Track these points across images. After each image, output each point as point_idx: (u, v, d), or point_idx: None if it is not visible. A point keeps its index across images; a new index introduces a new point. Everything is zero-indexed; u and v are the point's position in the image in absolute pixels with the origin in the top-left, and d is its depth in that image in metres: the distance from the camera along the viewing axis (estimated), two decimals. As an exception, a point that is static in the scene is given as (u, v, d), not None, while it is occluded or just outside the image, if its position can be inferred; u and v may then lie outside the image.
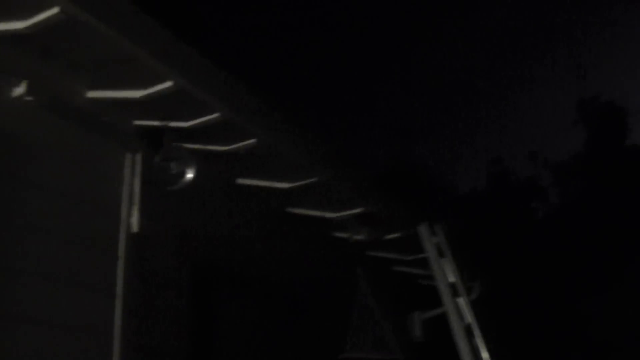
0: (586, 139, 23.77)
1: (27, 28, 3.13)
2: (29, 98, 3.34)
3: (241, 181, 4.77)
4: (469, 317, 5.42)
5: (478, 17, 30.44)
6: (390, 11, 30.14)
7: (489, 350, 5.19)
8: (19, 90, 3.34)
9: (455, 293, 5.48)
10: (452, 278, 5.54)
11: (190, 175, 3.90)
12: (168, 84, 3.52)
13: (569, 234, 21.81)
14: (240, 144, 4.14)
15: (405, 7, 30.46)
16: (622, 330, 17.22)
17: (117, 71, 3.54)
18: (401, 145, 26.27)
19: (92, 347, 3.65)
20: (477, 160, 26.57)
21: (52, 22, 3.05)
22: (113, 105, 3.78)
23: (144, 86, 3.58)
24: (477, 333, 5.32)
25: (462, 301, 5.48)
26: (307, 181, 4.68)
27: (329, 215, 5.30)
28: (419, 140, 31.06)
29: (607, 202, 21.53)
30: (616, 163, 22.66)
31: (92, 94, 3.74)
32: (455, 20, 30.45)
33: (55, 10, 3.00)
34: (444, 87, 31.74)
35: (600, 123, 23.61)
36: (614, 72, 29.20)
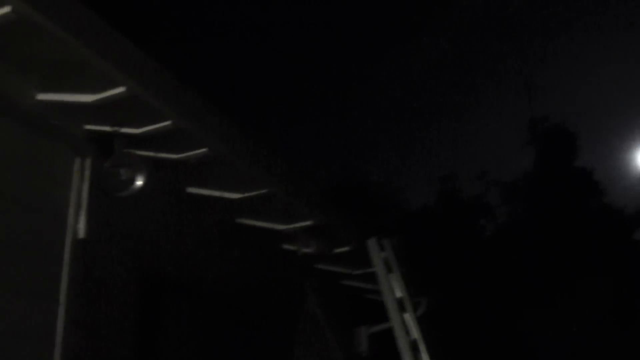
0: (535, 159, 24.16)
1: (-24, 27, 3.06)
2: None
3: (192, 190, 4.74)
4: (415, 333, 5.45)
5: (431, 34, 30.76)
6: (346, 26, 30.32)
7: (434, 366, 5.22)
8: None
9: (402, 308, 5.51)
10: (399, 293, 5.57)
11: (140, 182, 3.86)
12: (120, 89, 3.49)
13: (515, 252, 22.13)
14: (192, 152, 4.11)
15: (359, 23, 30.69)
16: (562, 346, 17.53)
17: (68, 74, 3.49)
18: (353, 160, 26.38)
19: (32, 356, 3.58)
20: (429, 177, 26.76)
21: (2, 21, 2.99)
22: (63, 108, 3.73)
23: (96, 90, 3.53)
24: (422, 348, 5.35)
25: (408, 317, 5.52)
26: (258, 192, 4.66)
27: (278, 227, 5.29)
28: (371, 156, 31.25)
29: (553, 223, 21.90)
30: (564, 184, 23.05)
31: (42, 97, 3.68)
32: (410, 37, 30.76)
33: (6, 9, 2.94)
34: (398, 104, 31.99)
35: (550, 144, 24.01)
36: (565, 94, 29.75)
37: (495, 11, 30.81)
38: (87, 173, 3.98)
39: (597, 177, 23.54)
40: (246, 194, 4.71)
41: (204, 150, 4.09)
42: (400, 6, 29.79)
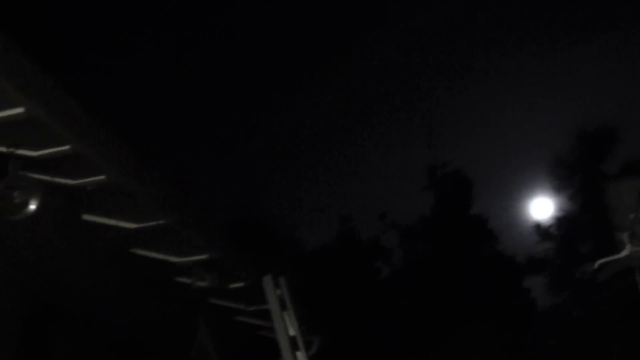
0: (433, 204, 24.68)
1: None
2: None
3: (87, 217, 4.64)
4: (307, 371, 5.46)
5: (337, 75, 31.28)
6: (248, 63, 30.48)
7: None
8: None
9: (294, 346, 5.51)
10: (292, 331, 5.58)
11: (33, 206, 3.75)
12: (19, 109, 3.40)
13: (410, 295, 22.47)
14: (89, 179, 4.04)
15: (263, 61, 30.90)
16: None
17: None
18: (252, 197, 26.33)
19: None
20: (328, 216, 26.98)
21: None
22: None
23: (-7, 110, 3.44)
24: (313, 387, 5.36)
25: (300, 355, 5.53)
26: (154, 223, 4.61)
27: (173, 259, 5.23)
28: (272, 194, 31.30)
29: (448, 267, 22.37)
30: (459, 230, 23.62)
31: None
32: (315, 77, 31.15)
33: None
34: (301, 142, 32.25)
35: (448, 190, 24.59)
36: (464, 142, 30.65)
37: (401, 56, 31.57)
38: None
39: (491, 224, 24.25)
40: (142, 224, 4.64)
41: (101, 177, 4.02)
42: (305, 48, 30.24)
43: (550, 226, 23.59)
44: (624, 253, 7.98)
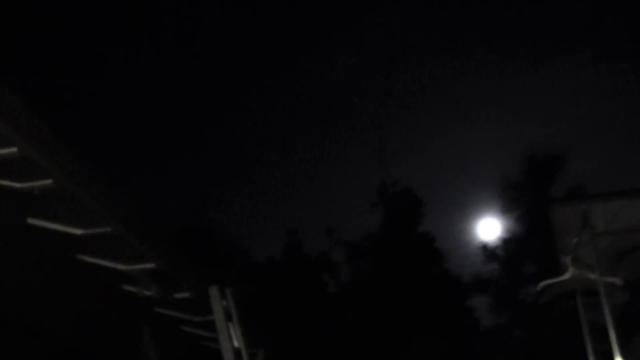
0: (382, 221, 24.83)
1: None
2: None
3: (32, 221, 4.56)
4: (250, 384, 5.44)
5: (291, 90, 31.40)
6: (201, 75, 30.43)
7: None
8: None
9: (238, 358, 5.49)
10: (237, 343, 5.56)
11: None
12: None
13: (356, 310, 22.53)
14: (36, 182, 3.98)
15: (216, 73, 30.87)
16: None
17: None
18: (201, 208, 26.19)
19: None
20: (277, 230, 26.97)
21: None
22: None
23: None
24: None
25: (244, 367, 5.51)
26: (101, 230, 4.55)
27: (120, 267, 5.17)
28: (221, 206, 31.15)
29: (394, 284, 22.50)
30: (407, 248, 23.79)
31: None
32: (268, 90, 31.23)
33: None
34: (251, 154, 32.21)
35: (397, 208, 24.77)
36: (415, 162, 30.95)
37: (355, 74, 31.80)
38: None
39: (438, 243, 24.49)
40: (89, 230, 4.59)
41: (48, 181, 3.96)
42: (259, 62, 30.30)
43: (496, 247, 23.91)
44: (566, 275, 8.12)
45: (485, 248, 23.89)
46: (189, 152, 31.36)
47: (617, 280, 7.90)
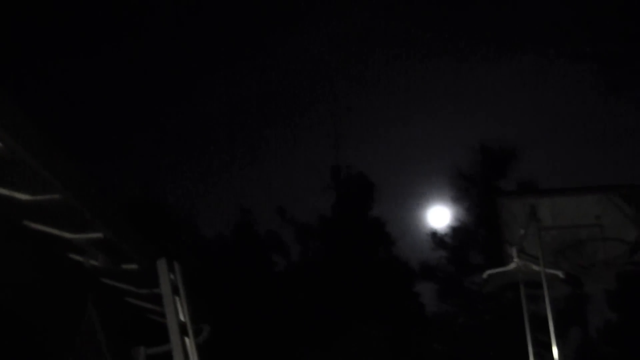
0: (334, 204, 24.93)
1: None
2: None
3: (-22, 185, 4.50)
4: (194, 358, 5.43)
5: (251, 69, 31.26)
6: (160, 49, 30.13)
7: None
8: None
9: (183, 332, 5.48)
10: (182, 317, 5.54)
11: None
12: None
13: (304, 291, 22.63)
14: (-16, 146, 3.92)
15: (177, 47, 30.59)
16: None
17: None
18: (153, 181, 25.97)
19: None
20: (228, 208, 26.88)
21: None
22: None
23: None
24: (198, 375, 5.34)
25: (189, 341, 5.49)
26: (49, 197, 4.50)
27: (66, 235, 5.12)
28: (174, 180, 30.94)
29: (343, 267, 22.64)
30: (357, 231, 23.93)
31: None
32: (222, 72, 31.05)
33: None
34: (209, 132, 32.02)
35: (349, 191, 24.88)
36: (369, 147, 31.04)
37: (313, 58, 31.75)
38: None
39: (388, 228, 24.67)
40: (37, 197, 4.54)
41: (-2, 145, 3.91)
42: (219, 40, 30.12)
43: (445, 235, 24.19)
44: (510, 266, 8.25)
45: (434, 235, 24.16)
46: (143, 126, 31.06)
47: (560, 274, 8.05)
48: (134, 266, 5.63)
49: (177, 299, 5.57)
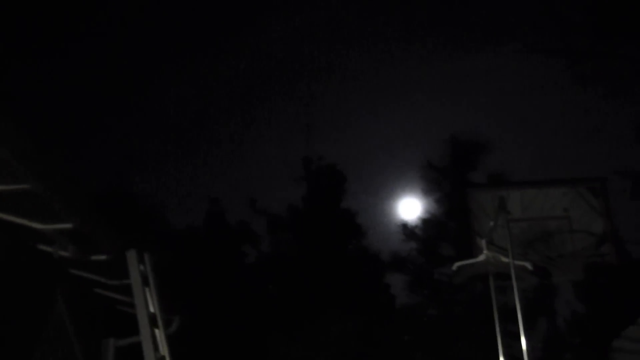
0: (305, 195, 24.94)
1: None
2: None
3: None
4: (164, 350, 5.43)
5: (222, 61, 31.13)
6: (121, 43, 29.90)
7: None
8: None
9: (153, 324, 5.46)
10: (152, 308, 5.53)
11: None
12: None
13: (275, 281, 22.64)
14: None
15: (146, 37, 30.39)
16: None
17: None
18: (124, 172, 25.79)
19: None
20: (199, 199, 26.78)
21: None
22: None
23: None
24: (168, 366, 5.33)
25: (159, 333, 5.48)
26: (19, 186, 4.46)
27: (36, 226, 5.08)
28: (145, 170, 30.76)
29: (314, 257, 22.67)
30: (328, 223, 23.96)
31: None
32: (199, 59, 30.87)
33: None
34: (180, 123, 31.88)
35: (321, 183, 24.90)
36: (341, 139, 31.12)
37: (286, 50, 31.73)
38: None
39: (359, 219, 24.74)
40: (6, 187, 4.49)
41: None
42: (189, 29, 29.95)
43: (415, 227, 24.28)
44: (480, 258, 8.33)
45: (404, 227, 24.22)
46: (116, 114, 30.83)
47: (528, 265, 8.14)
48: (103, 257, 5.60)
49: (147, 290, 5.55)
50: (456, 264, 8.72)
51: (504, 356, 8.24)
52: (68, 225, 5.03)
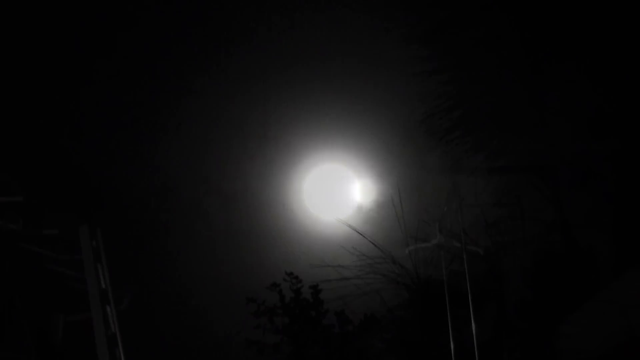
0: (259, 172, 24.88)
1: None
2: None
3: None
4: (114, 327, 5.40)
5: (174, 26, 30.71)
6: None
7: (127, 361, 5.20)
8: None
9: (104, 300, 5.43)
10: (104, 284, 5.49)
11: None
12: None
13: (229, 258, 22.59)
14: None
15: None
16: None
17: None
18: (78, 146, 25.44)
19: None
20: (152, 174, 26.55)
21: None
22: None
23: None
24: (119, 343, 5.31)
25: (109, 309, 5.45)
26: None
27: (-16, 198, 4.99)
28: (96, 145, 30.36)
29: (268, 235, 22.64)
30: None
31: None
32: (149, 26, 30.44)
33: None
34: (131, 98, 31.49)
35: (274, 161, 24.86)
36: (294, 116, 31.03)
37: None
38: None
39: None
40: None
41: None
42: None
43: (369, 210, 24.40)
44: (433, 242, 8.39)
45: (359, 209, 24.36)
46: (64, 88, 30.33)
47: (480, 250, 8.23)
48: (55, 231, 5.53)
49: (98, 266, 5.51)
50: (408, 248, 8.77)
51: (454, 340, 8.32)
52: (18, 198, 4.95)
